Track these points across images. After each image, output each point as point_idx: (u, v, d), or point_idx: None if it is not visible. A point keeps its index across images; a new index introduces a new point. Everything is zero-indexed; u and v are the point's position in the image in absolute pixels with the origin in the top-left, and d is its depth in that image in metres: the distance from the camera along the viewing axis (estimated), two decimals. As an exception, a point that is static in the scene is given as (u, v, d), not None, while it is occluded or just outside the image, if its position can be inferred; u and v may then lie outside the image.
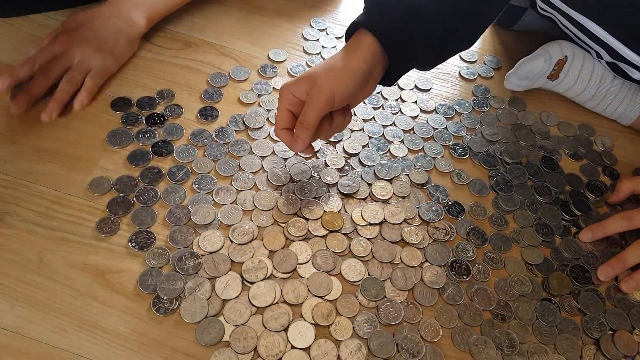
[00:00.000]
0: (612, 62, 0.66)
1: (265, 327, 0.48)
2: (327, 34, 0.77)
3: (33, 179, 0.55)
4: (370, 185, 0.60)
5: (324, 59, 0.73)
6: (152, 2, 0.67)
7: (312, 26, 0.77)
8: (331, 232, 0.56)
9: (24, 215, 0.53)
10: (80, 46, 0.61)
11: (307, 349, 0.47)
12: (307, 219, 0.56)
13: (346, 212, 0.58)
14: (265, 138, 0.63)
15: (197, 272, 0.51)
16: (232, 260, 0.52)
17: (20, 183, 0.55)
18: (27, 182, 0.55)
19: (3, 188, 0.54)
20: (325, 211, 0.57)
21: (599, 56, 0.66)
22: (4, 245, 0.50)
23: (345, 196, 0.59)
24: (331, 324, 0.49)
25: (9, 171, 0.55)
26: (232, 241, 0.53)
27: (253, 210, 0.56)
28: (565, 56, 0.67)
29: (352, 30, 0.54)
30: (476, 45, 0.79)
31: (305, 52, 0.74)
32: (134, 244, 0.52)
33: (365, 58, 0.51)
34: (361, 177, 0.61)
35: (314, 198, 0.58)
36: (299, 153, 0.61)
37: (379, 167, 0.62)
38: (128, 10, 0.65)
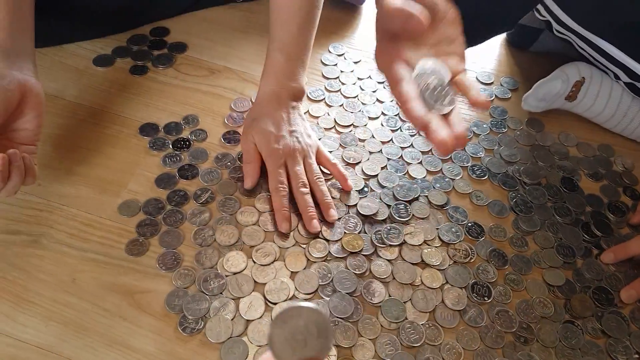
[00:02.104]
0: (630, 83, 0.66)
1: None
2: (344, 58, 0.79)
3: (66, 202, 0.58)
4: (389, 206, 0.61)
5: (342, 83, 0.75)
6: None
7: (330, 52, 0.79)
8: (351, 253, 0.57)
9: (57, 237, 0.55)
10: None
11: (329, 370, 0.48)
12: (327, 240, 0.57)
13: (365, 233, 0.59)
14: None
15: (221, 293, 0.52)
16: (255, 281, 0.53)
17: (54, 206, 0.57)
18: (60, 204, 0.57)
19: (38, 211, 0.57)
20: (345, 233, 0.58)
21: (617, 77, 0.67)
22: (38, 266, 0.53)
23: (365, 217, 0.60)
24: (353, 345, 0.50)
25: (43, 194, 0.58)
26: (254, 262, 0.55)
27: (274, 231, 0.58)
28: (583, 77, 0.67)
29: None
30: (492, 67, 0.81)
31: (324, 76, 0.76)
32: (162, 265, 0.54)
33: None
34: (380, 199, 0.62)
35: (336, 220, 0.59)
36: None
37: (398, 189, 0.63)
38: None
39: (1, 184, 0.45)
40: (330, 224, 0.58)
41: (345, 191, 0.62)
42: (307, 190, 0.58)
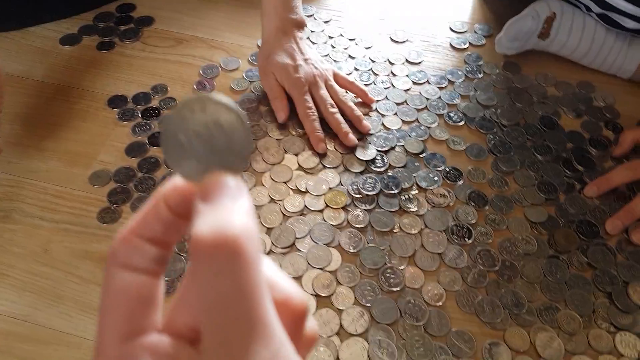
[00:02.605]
0: (603, 14, 0.64)
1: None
2: (315, 19, 0.77)
3: (36, 176, 0.57)
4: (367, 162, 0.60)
5: (313, 42, 0.74)
6: None
7: (300, 13, 0.78)
8: (328, 206, 0.56)
9: (28, 211, 0.54)
10: None
11: (308, 319, 0.47)
12: (304, 192, 0.56)
13: (342, 185, 0.58)
14: (258, 122, 0.63)
15: (196, 253, 0.51)
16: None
17: (24, 181, 0.57)
18: (30, 180, 0.57)
19: (8, 187, 0.56)
20: (330, 188, 0.57)
21: (588, 9, 0.65)
22: (10, 240, 0.52)
23: (344, 170, 0.59)
24: (332, 294, 0.49)
25: (13, 171, 0.57)
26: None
27: (251, 189, 0.57)
28: (554, 12, 0.66)
29: None
30: (466, 15, 0.79)
31: (294, 37, 0.74)
32: (134, 230, 0.53)
33: None
34: (356, 151, 0.61)
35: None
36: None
37: (375, 139, 0.61)
38: None
39: None
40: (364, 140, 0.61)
41: (368, 105, 0.65)
42: (335, 110, 0.61)
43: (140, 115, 0.63)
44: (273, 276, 0.18)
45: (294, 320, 0.18)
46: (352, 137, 0.60)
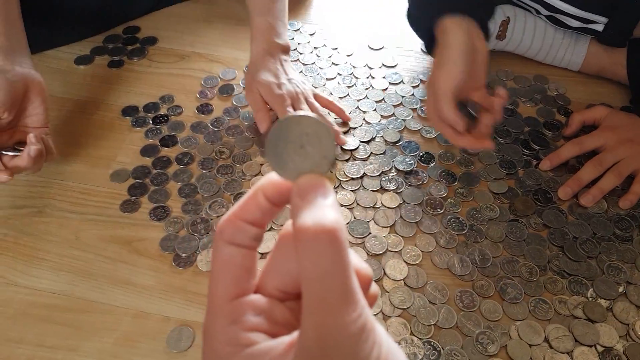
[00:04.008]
0: (550, 16, 0.74)
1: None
2: (300, 32, 0.87)
3: (63, 177, 0.65)
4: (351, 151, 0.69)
5: (300, 53, 0.83)
6: None
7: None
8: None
9: (59, 206, 0.62)
10: None
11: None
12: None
13: (331, 172, 0.66)
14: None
15: (207, 233, 0.60)
16: (236, 221, 0.61)
17: (53, 182, 0.65)
18: (58, 180, 0.65)
19: (40, 187, 0.64)
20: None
21: (538, 12, 0.75)
22: (45, 231, 0.60)
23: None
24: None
25: (43, 174, 0.65)
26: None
27: (251, 179, 0.65)
28: (508, 17, 0.76)
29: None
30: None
31: (283, 49, 0.84)
32: (153, 217, 0.61)
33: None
34: (341, 143, 0.70)
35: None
36: None
37: (357, 132, 0.71)
38: None
39: (39, 162, 0.57)
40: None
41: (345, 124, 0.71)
42: None
43: (151, 122, 0.72)
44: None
45: (363, 285, 0.22)
46: (342, 137, 0.68)
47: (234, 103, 0.75)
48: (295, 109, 0.67)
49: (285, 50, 0.72)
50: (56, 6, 0.80)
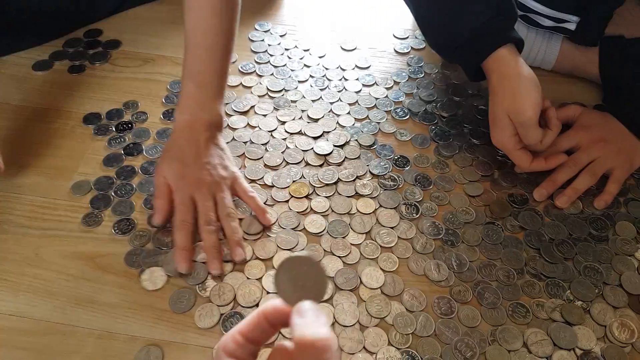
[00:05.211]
0: (524, 15, 0.74)
1: (248, 278, 0.55)
2: (271, 33, 0.85)
3: (21, 191, 0.62)
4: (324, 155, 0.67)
5: (270, 55, 0.81)
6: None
7: (256, 29, 0.85)
8: (293, 197, 0.62)
9: (17, 222, 0.59)
10: None
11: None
12: (272, 186, 0.63)
13: (304, 177, 0.65)
14: (225, 127, 0.70)
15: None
16: (206, 231, 0.58)
17: (11, 196, 0.61)
18: (16, 194, 0.61)
19: (-5, 202, 0.61)
20: (294, 181, 0.63)
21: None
22: (2, 249, 0.56)
23: (306, 165, 0.66)
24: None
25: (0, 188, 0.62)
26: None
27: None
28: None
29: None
30: (408, 23, 0.88)
31: (252, 51, 0.82)
32: (117, 231, 0.58)
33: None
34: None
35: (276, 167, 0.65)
36: None
37: (331, 136, 0.69)
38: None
39: None
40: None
41: (265, 225, 0.59)
42: (213, 228, 0.55)
43: (114, 129, 0.69)
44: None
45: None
46: (216, 266, 0.54)
47: (203, 108, 0.72)
48: (197, 202, 0.56)
49: (214, 125, 0.61)
50: (11, 9, 0.76)
